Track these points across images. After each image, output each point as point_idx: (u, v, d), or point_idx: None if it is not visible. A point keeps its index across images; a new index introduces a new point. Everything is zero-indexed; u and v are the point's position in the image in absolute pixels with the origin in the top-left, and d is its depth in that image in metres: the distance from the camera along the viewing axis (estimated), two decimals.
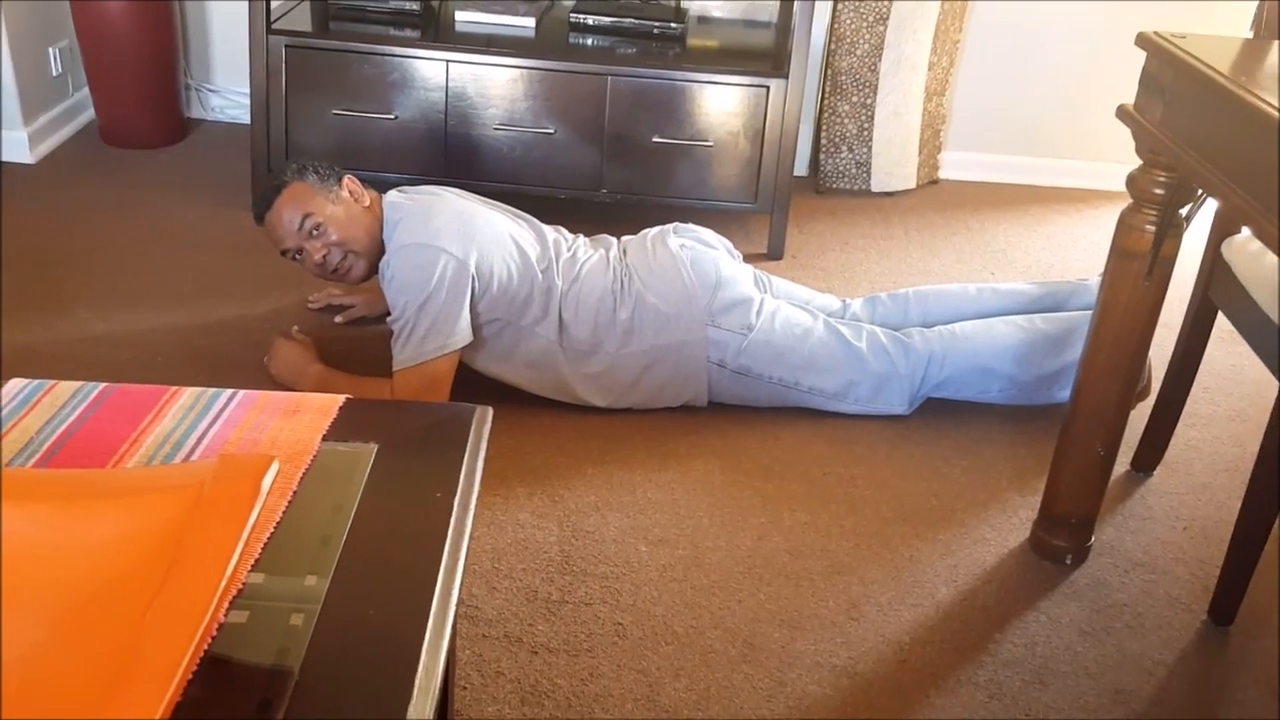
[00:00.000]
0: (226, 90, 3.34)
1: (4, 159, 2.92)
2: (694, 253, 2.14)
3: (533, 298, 2.02)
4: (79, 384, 0.96)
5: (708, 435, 2.06)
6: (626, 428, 2.06)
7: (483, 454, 1.06)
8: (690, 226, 2.26)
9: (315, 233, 2.01)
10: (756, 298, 2.11)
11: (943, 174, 3.38)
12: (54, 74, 3.07)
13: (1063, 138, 3.35)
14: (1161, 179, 1.55)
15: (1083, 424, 1.74)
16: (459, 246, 1.94)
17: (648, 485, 1.91)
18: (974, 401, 2.17)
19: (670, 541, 1.78)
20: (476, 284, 1.96)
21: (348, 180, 2.09)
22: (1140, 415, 2.06)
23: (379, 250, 2.04)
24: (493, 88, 2.67)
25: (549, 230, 2.17)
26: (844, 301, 2.29)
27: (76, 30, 2.99)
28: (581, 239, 2.20)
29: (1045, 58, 3.25)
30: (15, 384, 0.96)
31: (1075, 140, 3.34)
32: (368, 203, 2.08)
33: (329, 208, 2.03)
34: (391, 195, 2.10)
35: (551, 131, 2.70)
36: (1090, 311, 1.84)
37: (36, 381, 0.96)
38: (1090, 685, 1.57)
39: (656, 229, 2.23)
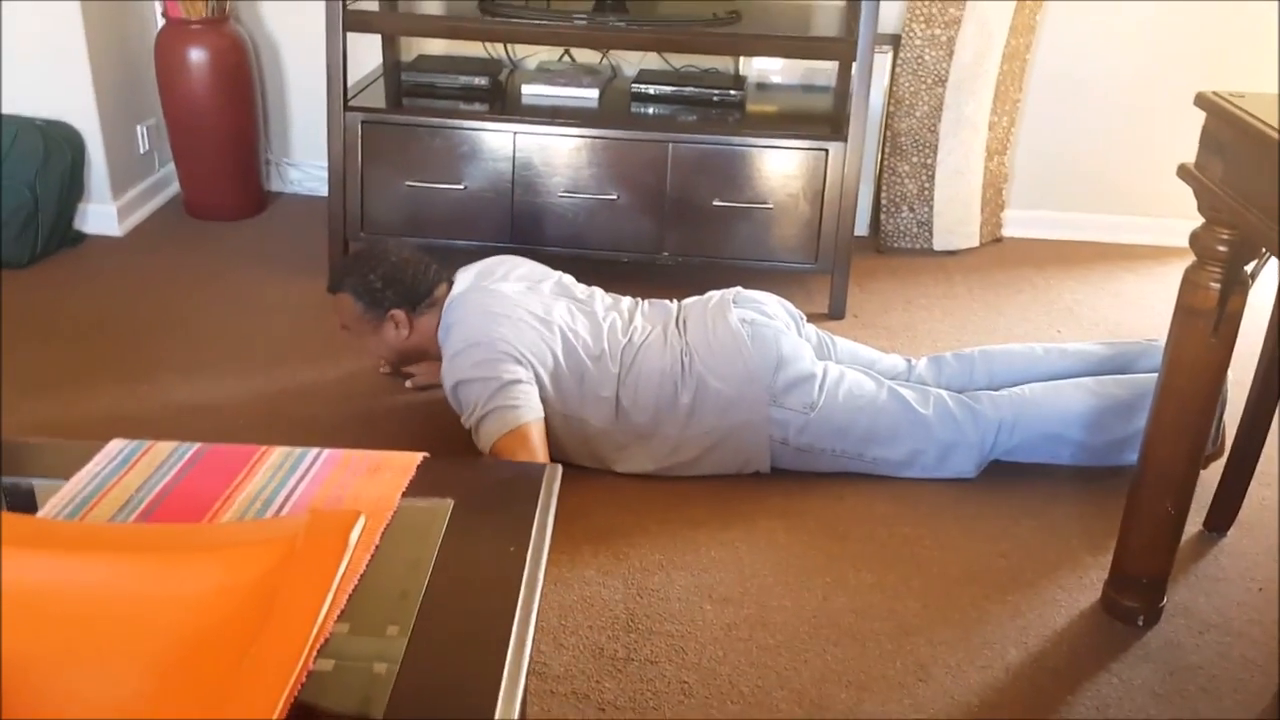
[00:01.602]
0: (304, 164, 3.47)
1: (94, 232, 3.07)
2: (754, 328, 2.12)
3: (585, 387, 2.05)
4: (175, 444, 1.02)
5: (771, 494, 2.08)
6: (689, 487, 2.08)
7: (553, 510, 1.09)
8: (751, 295, 2.25)
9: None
10: (819, 373, 2.10)
11: (1006, 231, 3.38)
12: (141, 150, 3.23)
13: (1128, 193, 3.34)
14: (1225, 236, 1.55)
15: (1152, 483, 1.72)
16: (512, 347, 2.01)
17: (711, 544, 1.93)
18: (1042, 463, 2.16)
19: (735, 600, 1.79)
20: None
21: (395, 314, 2.16)
22: (1213, 474, 2.03)
23: (429, 354, 2.16)
24: (558, 156, 2.75)
25: (605, 309, 2.19)
26: (909, 361, 2.29)
27: (163, 108, 3.15)
28: (641, 311, 2.22)
29: (1107, 113, 3.26)
30: (116, 444, 1.02)
31: (1141, 196, 3.33)
32: (405, 335, 2.17)
33: (367, 335, 2.18)
34: (456, 290, 2.15)
35: (614, 197, 2.77)
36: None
37: (136, 442, 1.02)
38: None
39: (717, 296, 2.23)
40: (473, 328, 2.03)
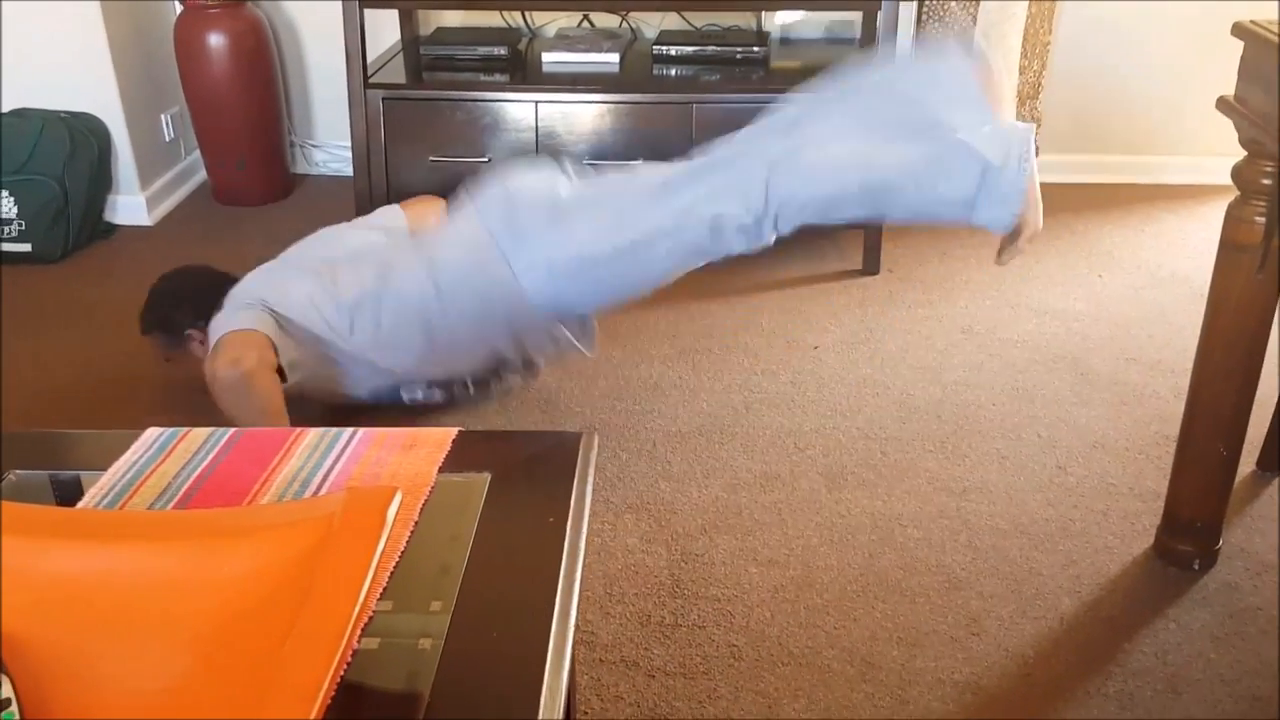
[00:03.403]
0: (328, 145, 3.47)
1: (125, 222, 3.09)
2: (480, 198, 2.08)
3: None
4: (210, 430, 1.02)
5: (812, 454, 2.06)
6: (728, 451, 2.07)
7: (591, 479, 1.08)
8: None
9: None
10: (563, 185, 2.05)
11: (1041, 178, 3.31)
12: (167, 139, 3.24)
13: (1163, 133, 3.26)
14: (1268, 169, 1.50)
15: (1202, 425, 1.69)
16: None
17: (754, 507, 1.91)
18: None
19: (780, 562, 1.78)
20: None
21: (193, 333, 2.10)
22: (1264, 413, 1.98)
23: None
24: (581, 124, 2.72)
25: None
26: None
27: (186, 96, 3.15)
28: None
29: (1139, 53, 3.18)
30: (152, 432, 1.02)
31: (1177, 135, 3.25)
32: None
33: (190, 366, 2.09)
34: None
35: (640, 162, 2.73)
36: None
37: (171, 429, 1.02)
38: (1226, 692, 1.51)
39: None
40: (233, 298, 2.01)
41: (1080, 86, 3.23)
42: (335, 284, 2.03)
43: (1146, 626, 1.63)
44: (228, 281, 2.11)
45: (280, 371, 1.93)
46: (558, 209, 2.01)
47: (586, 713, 1.49)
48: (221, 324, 1.96)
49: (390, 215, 2.35)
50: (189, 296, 2.13)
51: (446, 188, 2.79)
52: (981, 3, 2.99)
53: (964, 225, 1.94)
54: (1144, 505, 1.90)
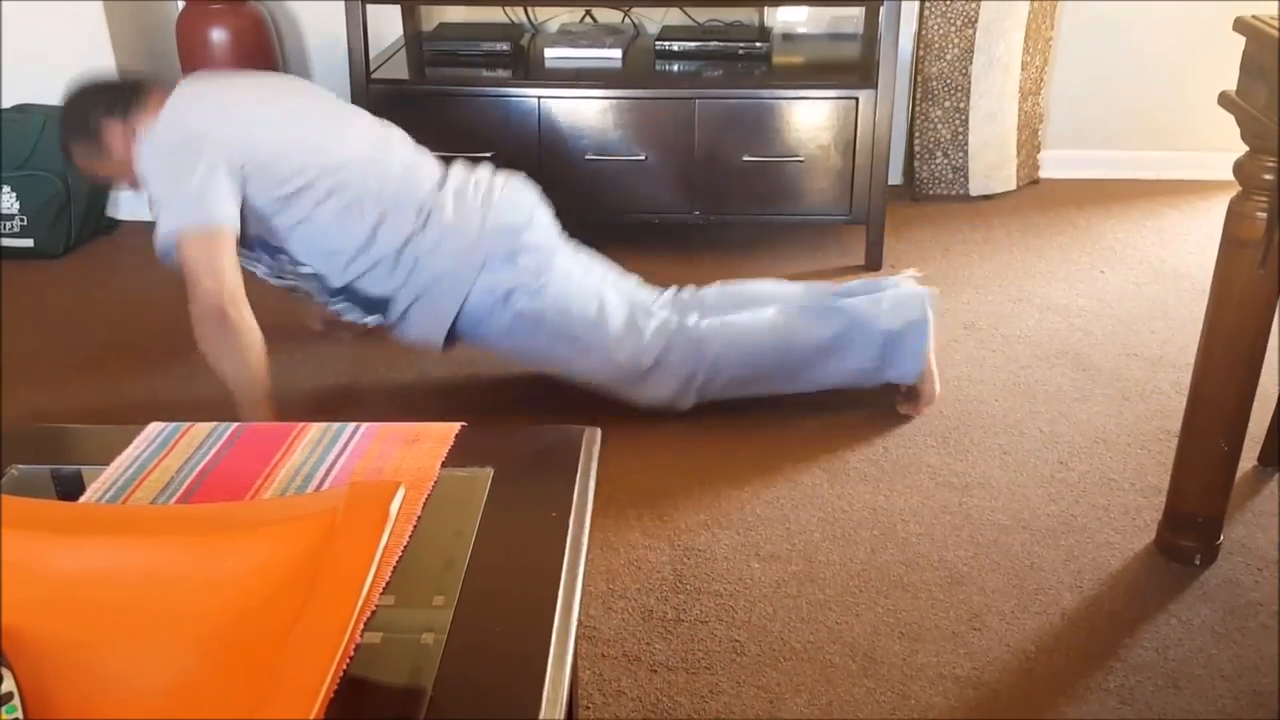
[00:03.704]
0: None
1: (127, 218, 3.09)
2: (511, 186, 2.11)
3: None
4: (213, 425, 1.02)
5: (814, 450, 2.06)
6: (730, 444, 2.07)
7: (594, 474, 1.08)
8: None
9: None
10: (561, 255, 2.08)
11: (1043, 173, 3.32)
12: None
13: (1166, 128, 3.26)
14: (1270, 164, 1.50)
15: (1204, 420, 1.69)
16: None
17: (755, 502, 1.91)
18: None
19: (782, 557, 1.78)
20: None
21: (108, 126, 1.98)
22: (1265, 409, 1.98)
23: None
24: (583, 120, 2.72)
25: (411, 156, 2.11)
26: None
27: None
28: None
29: (1141, 48, 3.17)
30: (155, 427, 1.02)
31: (1180, 130, 3.24)
32: (129, 147, 1.96)
33: (111, 172, 2.04)
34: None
35: (642, 158, 2.73)
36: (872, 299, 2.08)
37: (174, 424, 1.02)
38: (1227, 688, 1.51)
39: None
40: (175, 115, 1.92)
41: (1082, 82, 3.23)
42: (337, 143, 2.00)
43: (1148, 621, 1.64)
44: (151, 80, 2.03)
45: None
46: (555, 266, 2.06)
47: (588, 708, 1.49)
48: (171, 182, 1.87)
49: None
50: (98, 90, 2.03)
51: None
52: (983, 0, 2.99)
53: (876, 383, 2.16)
54: (1145, 500, 1.90)
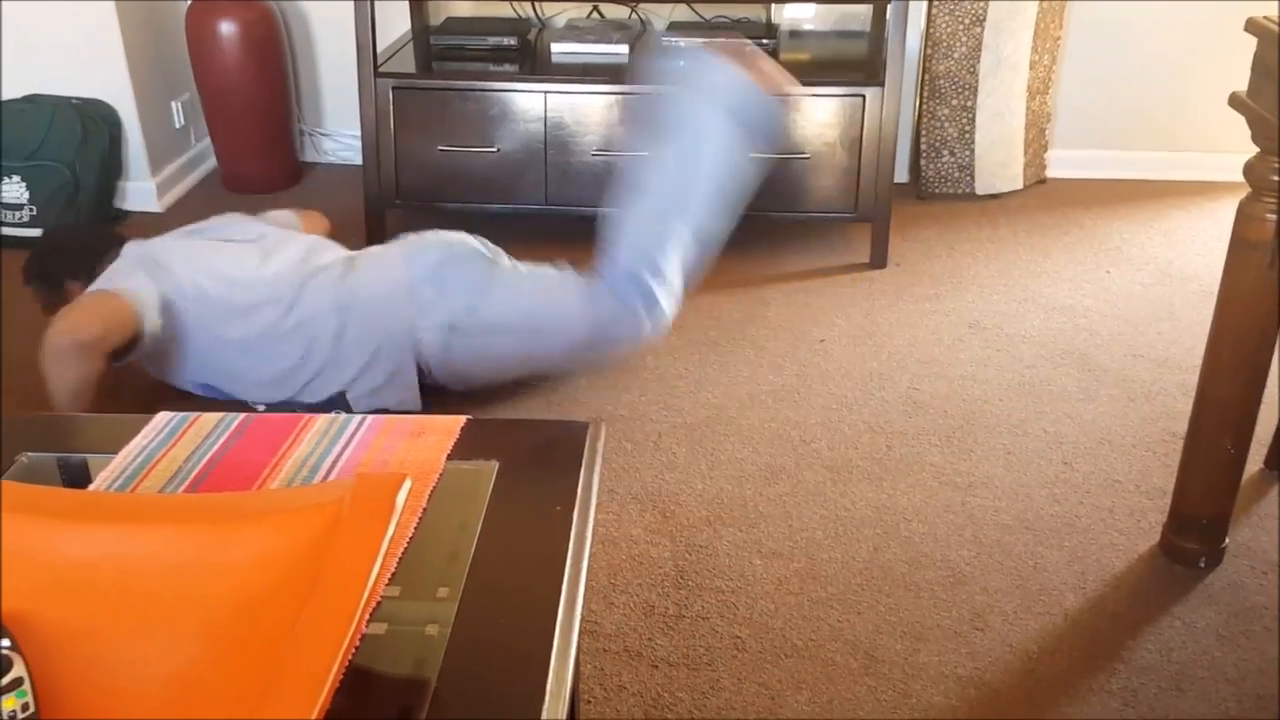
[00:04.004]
0: (337, 133, 3.47)
1: (135, 209, 3.09)
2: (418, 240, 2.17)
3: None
4: (221, 415, 1.02)
5: (817, 447, 2.06)
6: (733, 443, 2.07)
7: (599, 468, 1.08)
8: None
9: None
10: (492, 264, 2.13)
11: (1050, 173, 3.31)
12: (177, 126, 3.25)
13: (1175, 129, 3.25)
14: None
15: (1210, 422, 1.68)
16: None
17: (758, 499, 1.92)
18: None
19: (784, 554, 1.78)
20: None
21: (71, 286, 2.09)
22: (1271, 411, 1.98)
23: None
24: (590, 115, 2.72)
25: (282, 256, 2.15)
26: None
27: (197, 83, 3.15)
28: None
29: (1151, 48, 3.17)
30: (163, 417, 1.02)
31: (1188, 131, 3.24)
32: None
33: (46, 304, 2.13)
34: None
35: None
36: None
37: (182, 414, 1.03)
38: (1230, 691, 1.51)
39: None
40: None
41: (1091, 82, 3.22)
42: (254, 270, 2.07)
43: (1151, 624, 1.63)
44: (116, 241, 2.13)
45: (122, 350, 1.96)
46: (491, 277, 2.09)
47: (590, 702, 1.49)
48: (105, 278, 1.99)
49: (287, 219, 2.39)
50: (71, 250, 2.17)
51: (455, 178, 2.80)
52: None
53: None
54: (1150, 502, 1.90)
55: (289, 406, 2.06)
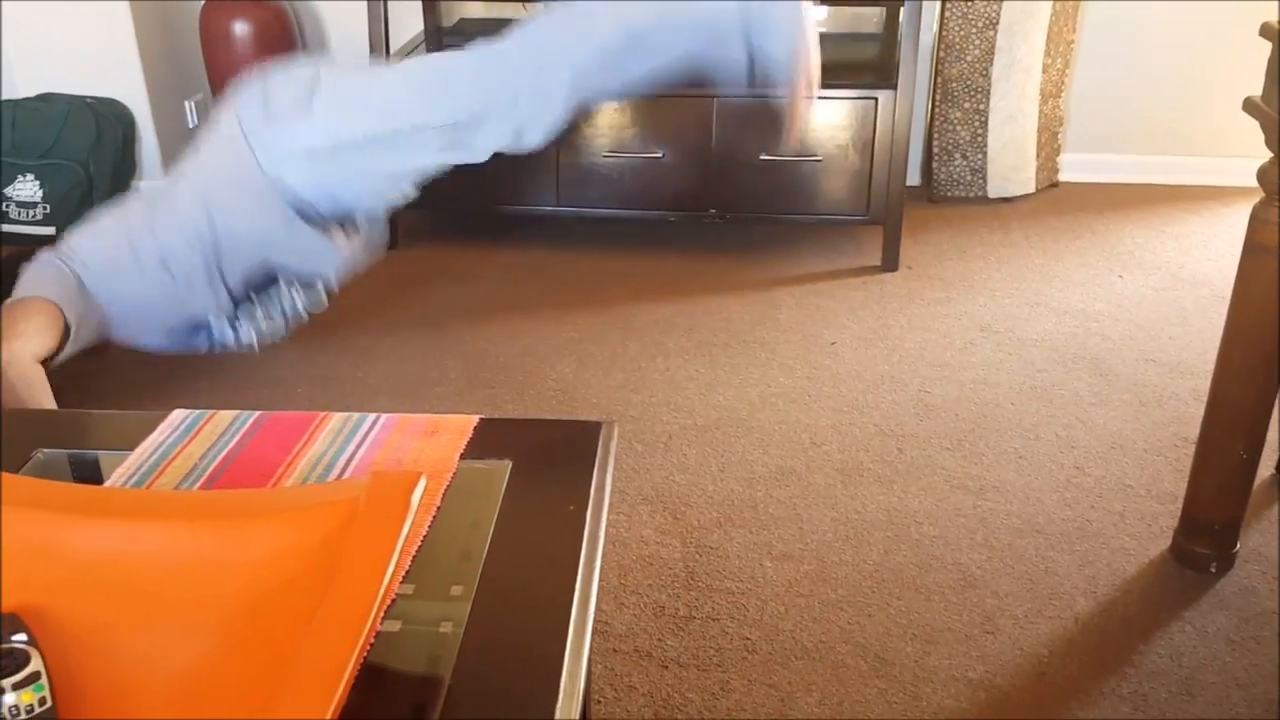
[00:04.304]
0: None
1: None
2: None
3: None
4: (236, 413, 1.02)
5: (828, 449, 2.06)
6: (744, 445, 2.07)
7: (611, 468, 1.08)
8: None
9: None
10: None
11: (1063, 177, 3.31)
12: (190, 125, 3.26)
13: (1188, 134, 3.24)
14: None
15: (1221, 427, 1.68)
16: None
17: (769, 501, 1.92)
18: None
19: (795, 557, 1.78)
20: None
21: None
22: None
23: None
24: (601, 117, 2.72)
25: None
26: None
27: (210, 83, 3.17)
28: None
29: (1164, 53, 3.16)
30: (178, 414, 1.02)
31: (1201, 136, 3.23)
32: None
33: None
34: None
35: (659, 156, 2.74)
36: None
37: (197, 412, 1.03)
38: (1241, 696, 1.51)
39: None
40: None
41: (1104, 85, 3.21)
42: (146, 222, 2.00)
43: (1162, 628, 1.63)
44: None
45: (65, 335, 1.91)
46: (316, 94, 1.96)
47: (600, 702, 1.49)
48: (20, 285, 1.94)
49: None
50: None
51: (467, 179, 2.80)
52: (1005, 2, 2.98)
53: (746, 66, 1.91)
54: (1161, 507, 1.89)
55: (250, 310, 2.04)
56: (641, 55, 1.92)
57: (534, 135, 1.95)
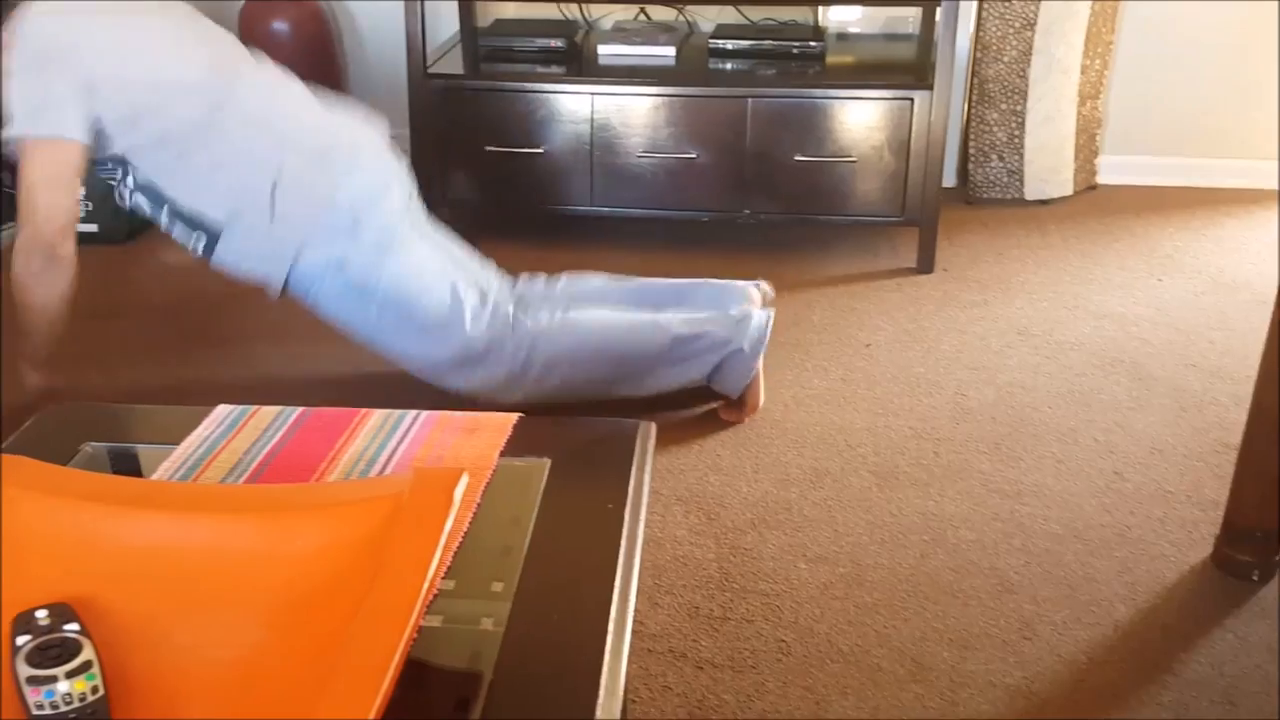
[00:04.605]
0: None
1: None
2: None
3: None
4: (279, 408, 1.03)
5: (863, 451, 2.05)
6: (778, 446, 2.06)
7: (649, 467, 1.09)
8: None
9: None
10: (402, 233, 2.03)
11: (1101, 178, 3.27)
12: None
13: (1228, 136, 3.20)
14: None
15: (1264, 432, 1.65)
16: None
17: (803, 503, 1.91)
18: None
19: (830, 559, 1.77)
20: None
21: None
22: None
23: None
24: (636, 117, 2.73)
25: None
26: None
27: None
28: None
29: (1204, 53, 3.12)
30: (223, 409, 1.04)
31: (1242, 137, 3.18)
32: None
33: None
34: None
35: (694, 156, 2.73)
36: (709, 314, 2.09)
37: (241, 407, 1.04)
38: None
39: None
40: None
41: (1143, 86, 3.18)
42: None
43: (1203, 636, 1.61)
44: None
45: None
46: (403, 240, 2.02)
47: (635, 702, 1.49)
48: (24, 90, 1.77)
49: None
50: None
51: (502, 178, 2.82)
52: (1043, 2, 2.95)
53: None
54: (1202, 514, 1.87)
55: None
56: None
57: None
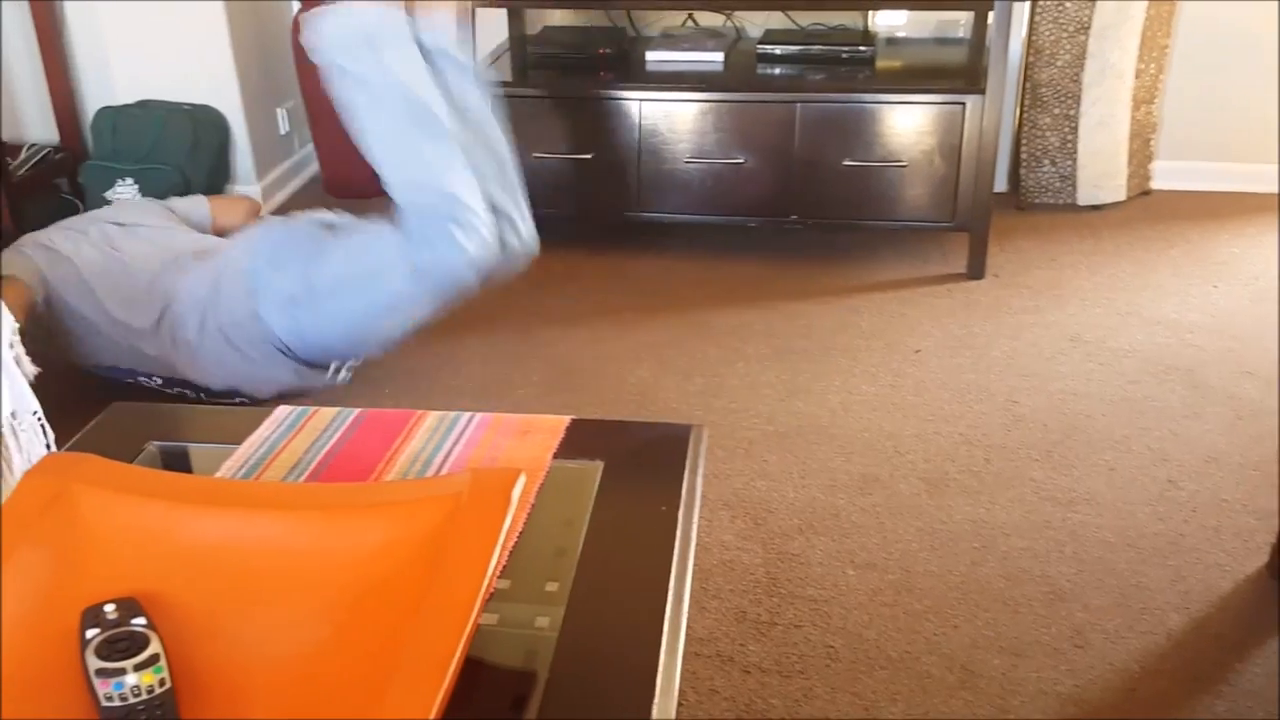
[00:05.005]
0: None
1: None
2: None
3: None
4: (336, 410, 1.05)
5: (912, 458, 2.03)
6: (825, 451, 2.06)
7: (701, 470, 1.09)
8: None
9: None
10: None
11: (1155, 184, 3.23)
12: (282, 132, 3.34)
13: None
14: None
15: None
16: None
17: (851, 509, 1.90)
18: None
19: (879, 565, 1.76)
20: None
21: None
22: None
23: None
24: (683, 122, 2.73)
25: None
26: None
27: (302, 91, 3.24)
28: None
29: (1262, 56, 3.07)
30: (282, 410, 1.06)
31: None
32: None
33: None
34: None
35: (741, 161, 2.74)
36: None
37: (301, 408, 1.06)
38: None
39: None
40: None
41: (1199, 91, 3.13)
42: (127, 266, 2.21)
43: (1259, 647, 1.58)
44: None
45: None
46: (322, 246, 2.17)
47: (683, 705, 1.50)
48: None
49: (197, 205, 2.52)
50: None
51: (550, 184, 2.83)
52: (1097, 3, 2.92)
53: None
54: (1258, 523, 1.83)
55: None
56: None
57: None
